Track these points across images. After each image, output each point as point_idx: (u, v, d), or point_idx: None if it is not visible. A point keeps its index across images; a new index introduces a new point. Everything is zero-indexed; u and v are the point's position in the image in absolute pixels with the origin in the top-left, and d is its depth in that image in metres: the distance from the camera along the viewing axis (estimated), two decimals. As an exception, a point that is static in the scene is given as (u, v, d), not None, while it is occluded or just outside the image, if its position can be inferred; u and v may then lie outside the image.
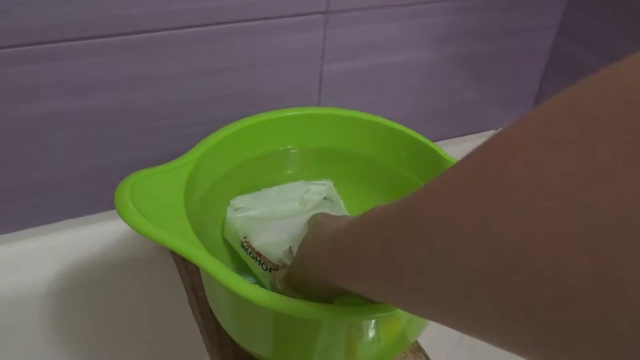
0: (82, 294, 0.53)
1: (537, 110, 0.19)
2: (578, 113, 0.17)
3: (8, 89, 0.44)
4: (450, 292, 0.21)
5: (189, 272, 0.51)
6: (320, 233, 0.37)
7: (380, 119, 0.52)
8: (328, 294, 0.35)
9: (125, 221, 0.35)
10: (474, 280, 0.19)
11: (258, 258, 0.45)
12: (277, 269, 0.43)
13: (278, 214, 0.49)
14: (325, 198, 0.51)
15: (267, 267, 0.44)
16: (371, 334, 0.38)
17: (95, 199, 0.54)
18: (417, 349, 0.48)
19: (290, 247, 0.43)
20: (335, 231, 0.34)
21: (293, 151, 0.53)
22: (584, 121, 0.16)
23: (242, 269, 0.48)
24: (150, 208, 0.37)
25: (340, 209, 0.51)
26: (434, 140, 0.50)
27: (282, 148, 0.52)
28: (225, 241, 0.49)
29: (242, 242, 0.46)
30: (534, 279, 0.17)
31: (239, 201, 0.49)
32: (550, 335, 0.17)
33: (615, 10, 0.62)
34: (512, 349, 0.19)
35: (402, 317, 0.38)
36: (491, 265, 0.18)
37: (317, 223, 0.40)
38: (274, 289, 0.40)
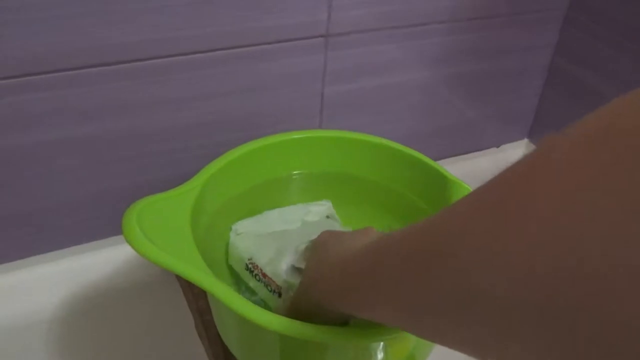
0: (88, 320, 0.53)
1: (579, 128, 0.17)
2: (620, 138, 0.15)
3: (12, 117, 0.45)
4: (485, 328, 0.19)
5: (195, 296, 0.51)
6: (326, 257, 0.35)
7: (384, 141, 0.52)
8: (338, 320, 0.34)
9: (134, 248, 0.35)
10: (518, 317, 0.18)
11: (264, 279, 0.45)
12: (281, 290, 0.43)
13: (280, 234, 0.49)
14: (327, 217, 0.51)
15: (272, 289, 0.44)
16: (378, 356, 0.38)
17: (99, 225, 0.54)
18: (424, 369, 0.48)
19: (293, 265, 0.44)
20: (345, 256, 0.32)
21: (297, 176, 0.53)
22: (629, 147, 0.15)
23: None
24: (158, 234, 0.37)
25: (341, 229, 0.51)
26: (434, 159, 0.51)
27: (286, 173, 0.52)
28: (231, 268, 0.49)
29: (247, 264, 0.46)
30: (588, 318, 0.16)
31: (240, 225, 0.49)
32: None
33: (610, 27, 0.63)
34: None
35: (410, 340, 0.38)
36: (540, 304, 0.17)
37: (321, 244, 0.38)
38: None
